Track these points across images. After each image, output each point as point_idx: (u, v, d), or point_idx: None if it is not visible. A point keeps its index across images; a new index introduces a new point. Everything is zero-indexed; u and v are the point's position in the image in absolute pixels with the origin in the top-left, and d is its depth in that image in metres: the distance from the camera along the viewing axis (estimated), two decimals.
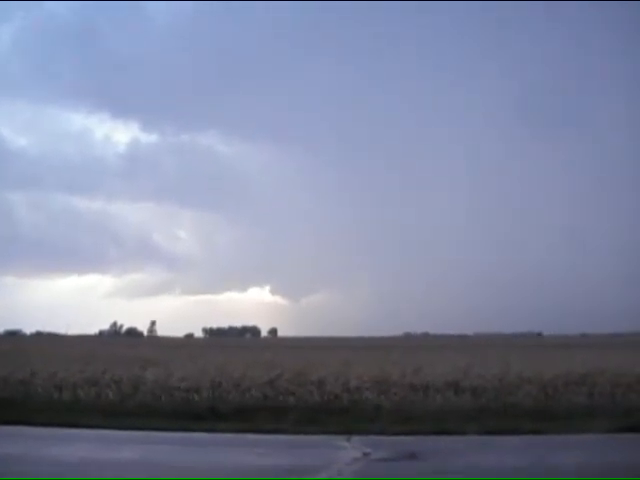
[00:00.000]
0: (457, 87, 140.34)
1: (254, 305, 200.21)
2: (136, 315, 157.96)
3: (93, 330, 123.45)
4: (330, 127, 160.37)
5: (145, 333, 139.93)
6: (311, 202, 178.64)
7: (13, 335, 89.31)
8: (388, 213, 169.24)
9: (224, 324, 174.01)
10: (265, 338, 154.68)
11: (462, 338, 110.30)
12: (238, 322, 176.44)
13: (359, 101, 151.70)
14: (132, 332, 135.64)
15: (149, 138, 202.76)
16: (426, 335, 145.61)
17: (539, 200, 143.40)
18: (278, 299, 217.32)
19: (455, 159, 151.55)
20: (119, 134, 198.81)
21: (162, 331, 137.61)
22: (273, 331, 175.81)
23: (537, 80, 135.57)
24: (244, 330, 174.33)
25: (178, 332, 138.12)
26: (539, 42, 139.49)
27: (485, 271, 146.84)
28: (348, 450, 9.98)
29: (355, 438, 10.81)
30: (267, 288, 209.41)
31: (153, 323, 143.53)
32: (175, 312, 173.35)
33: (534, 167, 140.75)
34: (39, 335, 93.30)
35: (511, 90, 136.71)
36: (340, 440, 10.65)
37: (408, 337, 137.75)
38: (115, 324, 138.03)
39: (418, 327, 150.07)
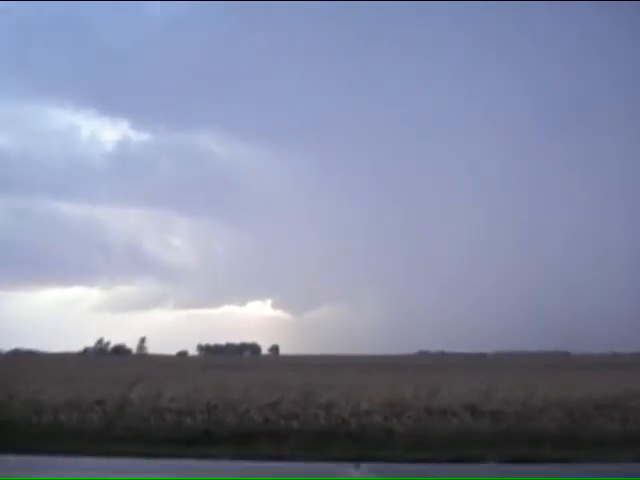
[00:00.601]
0: (469, 89, 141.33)
1: (254, 320, 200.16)
2: (125, 331, 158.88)
3: (77, 347, 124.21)
4: (335, 126, 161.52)
5: (134, 350, 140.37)
6: (316, 208, 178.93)
7: None
8: (398, 223, 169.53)
9: (221, 341, 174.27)
10: (266, 356, 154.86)
11: (480, 357, 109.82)
12: (236, 339, 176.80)
13: (362, 101, 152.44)
14: (120, 350, 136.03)
15: (140, 137, 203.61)
16: (441, 354, 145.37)
17: (563, 210, 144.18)
18: (280, 314, 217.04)
19: (469, 167, 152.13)
20: (107, 132, 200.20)
21: (153, 348, 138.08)
22: (274, 348, 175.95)
23: (550, 80, 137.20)
24: (243, 347, 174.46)
25: (171, 349, 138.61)
26: (551, 42, 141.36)
27: (505, 285, 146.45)
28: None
29: (364, 466, 10.76)
30: (268, 302, 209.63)
31: (143, 340, 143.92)
32: (168, 328, 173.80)
33: (555, 179, 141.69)
34: (17, 353, 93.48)
35: (525, 90, 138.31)
36: (348, 468, 10.60)
37: (422, 356, 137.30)
38: (101, 341, 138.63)
39: (433, 345, 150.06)
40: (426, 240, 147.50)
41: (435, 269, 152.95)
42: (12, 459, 11.46)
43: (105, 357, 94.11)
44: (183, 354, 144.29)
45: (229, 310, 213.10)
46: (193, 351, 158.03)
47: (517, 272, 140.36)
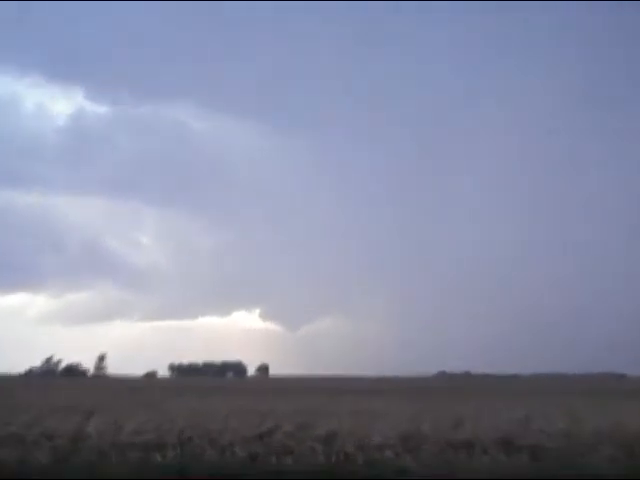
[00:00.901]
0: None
1: (239, 334, 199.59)
2: (79, 347, 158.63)
3: (19, 367, 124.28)
4: (337, 101, 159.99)
5: (91, 371, 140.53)
6: (315, 198, 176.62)
7: None
8: (416, 224, 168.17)
9: (198, 359, 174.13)
10: (253, 378, 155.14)
11: (514, 380, 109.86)
12: (217, 357, 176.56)
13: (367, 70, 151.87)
14: (74, 370, 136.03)
15: (98, 109, 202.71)
16: (467, 375, 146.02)
17: (615, 225, 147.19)
18: (271, 326, 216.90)
19: (500, 174, 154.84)
20: (58, 104, 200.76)
21: (115, 369, 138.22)
22: (264, 368, 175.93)
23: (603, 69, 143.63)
24: (225, 367, 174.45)
25: (137, 370, 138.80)
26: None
27: (543, 297, 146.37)
28: None
29: None
30: (256, 312, 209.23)
31: (102, 358, 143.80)
32: (133, 343, 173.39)
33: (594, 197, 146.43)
34: None
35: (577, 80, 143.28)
36: None
37: (443, 377, 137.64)
38: (50, 360, 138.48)
39: (456, 365, 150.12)
40: (443, 241, 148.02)
41: (460, 279, 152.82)
42: None
43: (55, 379, 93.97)
44: (152, 375, 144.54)
45: (208, 322, 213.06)
46: (164, 372, 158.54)
47: (558, 282, 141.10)
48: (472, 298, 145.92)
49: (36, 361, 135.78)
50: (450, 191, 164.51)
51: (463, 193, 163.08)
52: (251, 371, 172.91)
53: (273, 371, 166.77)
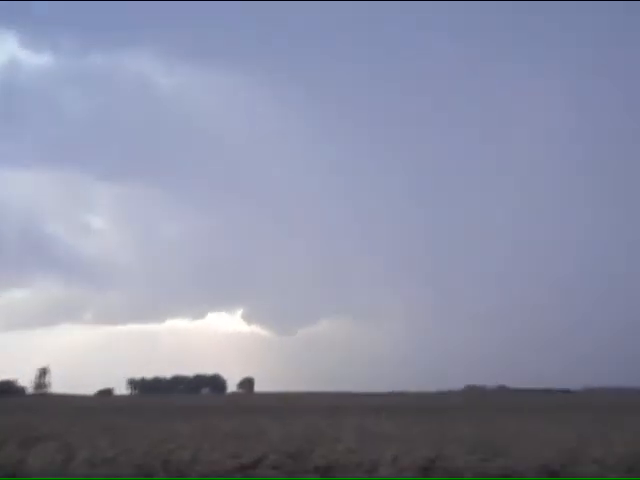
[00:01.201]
0: None
1: (216, 341, 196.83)
2: (14, 359, 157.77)
3: None
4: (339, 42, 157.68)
5: (30, 389, 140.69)
6: (315, 173, 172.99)
7: None
8: (444, 206, 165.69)
9: (165, 373, 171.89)
10: (234, 394, 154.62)
11: (563, 395, 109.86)
12: (189, 369, 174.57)
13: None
14: (7, 388, 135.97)
15: (36, 59, 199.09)
16: (502, 389, 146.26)
17: None
18: (257, 331, 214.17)
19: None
20: None
21: (60, 385, 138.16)
22: (247, 383, 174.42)
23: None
24: (199, 382, 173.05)
25: (88, 387, 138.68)
26: None
27: (607, 300, 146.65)
28: None
29: None
30: (239, 313, 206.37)
31: (44, 372, 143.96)
32: (83, 353, 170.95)
33: None
34: None
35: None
36: None
37: (472, 392, 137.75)
38: None
39: (487, 378, 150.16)
40: (476, 230, 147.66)
41: (490, 268, 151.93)
42: None
43: None
44: (107, 393, 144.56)
45: (178, 326, 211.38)
46: (122, 389, 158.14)
47: (617, 285, 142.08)
48: (509, 296, 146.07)
49: None
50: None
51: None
52: (232, 386, 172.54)
53: (260, 386, 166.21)
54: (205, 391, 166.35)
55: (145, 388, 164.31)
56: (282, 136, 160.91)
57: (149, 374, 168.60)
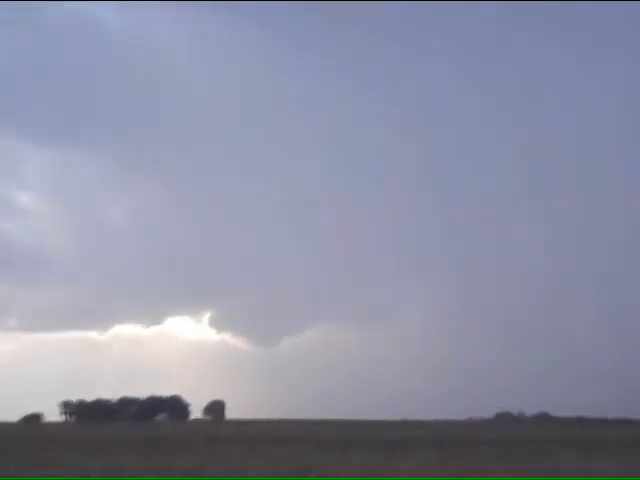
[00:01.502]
0: None
1: (177, 353, 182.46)
2: None
3: None
4: None
5: None
6: (301, 135, 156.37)
7: None
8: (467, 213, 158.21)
9: (109, 394, 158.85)
10: (199, 422, 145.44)
11: (623, 426, 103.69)
12: (141, 389, 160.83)
13: None
14: None
15: None
16: (543, 417, 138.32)
17: None
18: (229, 340, 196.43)
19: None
20: None
21: None
22: (217, 407, 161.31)
23: None
24: (154, 406, 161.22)
25: (9, 411, 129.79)
26: None
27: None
28: None
29: None
30: (205, 318, 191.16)
31: None
32: (4, 368, 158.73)
33: None
34: None
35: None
36: None
37: (504, 421, 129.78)
38: None
39: (524, 404, 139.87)
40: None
41: (523, 270, 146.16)
42: None
43: None
44: (34, 419, 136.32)
45: (127, 333, 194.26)
46: (53, 414, 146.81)
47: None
48: (552, 304, 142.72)
49: None
50: None
51: None
52: (196, 412, 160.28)
53: (232, 412, 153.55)
54: (161, 417, 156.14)
55: (84, 414, 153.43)
56: (254, 87, 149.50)
57: (89, 396, 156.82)
